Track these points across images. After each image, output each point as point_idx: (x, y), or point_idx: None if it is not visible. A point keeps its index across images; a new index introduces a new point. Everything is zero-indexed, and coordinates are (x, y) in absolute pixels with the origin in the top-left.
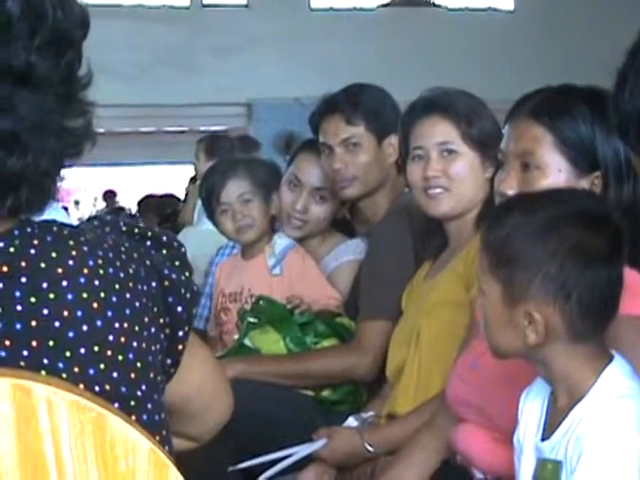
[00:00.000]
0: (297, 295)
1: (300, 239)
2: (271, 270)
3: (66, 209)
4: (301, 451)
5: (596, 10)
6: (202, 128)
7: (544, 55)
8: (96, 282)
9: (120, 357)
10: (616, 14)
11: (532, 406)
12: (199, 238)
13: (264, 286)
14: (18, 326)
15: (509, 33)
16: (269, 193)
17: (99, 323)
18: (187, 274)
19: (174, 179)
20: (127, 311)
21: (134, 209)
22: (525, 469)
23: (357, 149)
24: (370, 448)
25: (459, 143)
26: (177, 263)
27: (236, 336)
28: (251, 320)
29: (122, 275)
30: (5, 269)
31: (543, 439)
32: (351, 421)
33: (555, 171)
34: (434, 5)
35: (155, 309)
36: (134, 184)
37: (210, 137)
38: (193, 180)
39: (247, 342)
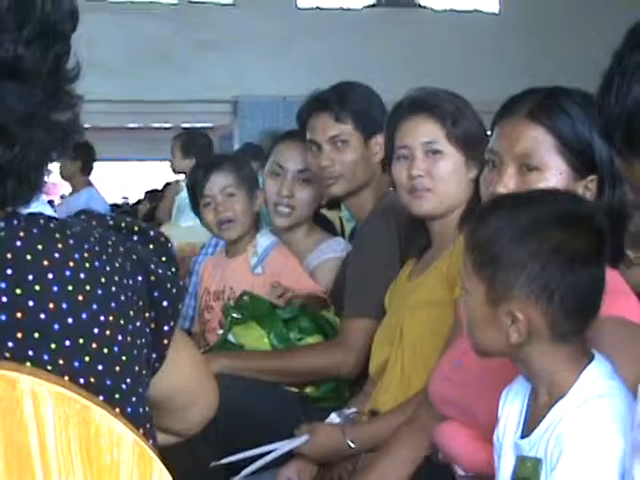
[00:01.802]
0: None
1: (287, 228)
2: (253, 269)
3: (51, 203)
4: (283, 447)
5: (580, 13)
6: (188, 125)
7: (528, 57)
8: (82, 275)
9: (105, 350)
10: (600, 16)
11: (512, 404)
12: (179, 235)
13: (246, 285)
14: (3, 317)
15: (494, 35)
16: (253, 189)
17: (84, 316)
18: (173, 269)
19: (159, 175)
20: (112, 304)
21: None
22: (505, 466)
23: (345, 147)
24: (352, 444)
25: (444, 143)
26: (164, 258)
27: (220, 331)
28: (235, 315)
29: (108, 268)
30: None
31: (522, 437)
32: (333, 417)
33: (556, 173)
34: (420, 6)
35: (140, 303)
36: (120, 179)
37: (186, 134)
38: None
39: (231, 338)
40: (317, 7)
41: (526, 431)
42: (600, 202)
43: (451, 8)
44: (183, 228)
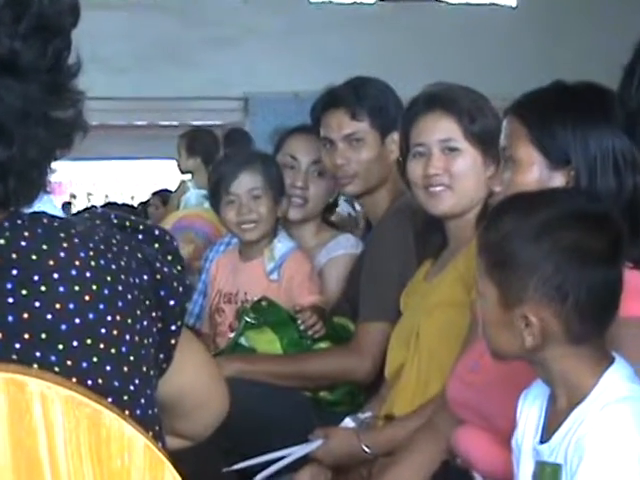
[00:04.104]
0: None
1: (299, 221)
2: (269, 275)
3: (69, 204)
4: (297, 452)
5: (599, 6)
6: (197, 123)
7: (546, 52)
8: (87, 274)
9: (113, 350)
10: (620, 10)
11: (531, 408)
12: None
13: (260, 290)
14: (10, 318)
15: (511, 29)
16: (279, 194)
17: (91, 316)
18: (179, 268)
19: (167, 174)
20: (119, 304)
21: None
22: (524, 472)
23: (360, 145)
24: (367, 449)
25: (461, 140)
26: (169, 257)
27: (231, 335)
28: (248, 320)
29: (114, 267)
30: None
31: (542, 442)
32: (348, 422)
33: (528, 164)
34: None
35: (147, 302)
36: (127, 179)
37: (191, 132)
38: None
39: (243, 341)
40: (329, 0)
41: (545, 436)
42: (619, 200)
43: (467, 2)
44: None
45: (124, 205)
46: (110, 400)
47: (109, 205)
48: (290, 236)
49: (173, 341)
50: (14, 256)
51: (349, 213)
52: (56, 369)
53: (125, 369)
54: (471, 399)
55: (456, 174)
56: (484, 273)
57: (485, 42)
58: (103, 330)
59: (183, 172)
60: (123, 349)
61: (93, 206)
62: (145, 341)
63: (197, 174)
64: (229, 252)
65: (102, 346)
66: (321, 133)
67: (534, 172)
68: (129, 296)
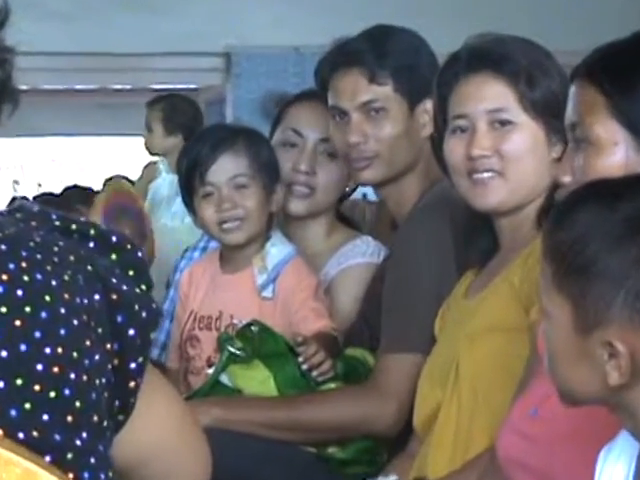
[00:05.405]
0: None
1: (304, 217)
2: (260, 291)
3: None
4: None
5: None
6: (163, 86)
7: None
8: (19, 292)
9: (52, 394)
10: None
11: (614, 469)
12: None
13: (251, 312)
14: None
15: None
16: (272, 181)
17: (23, 347)
18: (144, 287)
19: (126, 155)
20: (62, 331)
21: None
22: None
23: (382, 116)
24: None
25: (516, 110)
26: (131, 272)
27: (209, 371)
28: (233, 350)
29: (54, 283)
30: None
31: None
32: None
33: (610, 145)
34: None
35: (99, 330)
36: (68, 161)
37: (169, 100)
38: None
39: (224, 379)
40: None
41: None
42: None
43: None
44: (161, 227)
45: (74, 188)
46: (49, 459)
47: (44, 197)
48: (291, 238)
49: (132, 384)
50: None
51: (364, 194)
52: None
53: (69, 419)
54: (530, 456)
55: (509, 156)
56: (552, 286)
57: None
58: (39, 367)
59: (153, 153)
60: (66, 392)
61: (23, 198)
62: (96, 381)
63: (172, 155)
64: (206, 260)
65: (38, 388)
66: (329, 101)
67: (618, 155)
68: (75, 321)
